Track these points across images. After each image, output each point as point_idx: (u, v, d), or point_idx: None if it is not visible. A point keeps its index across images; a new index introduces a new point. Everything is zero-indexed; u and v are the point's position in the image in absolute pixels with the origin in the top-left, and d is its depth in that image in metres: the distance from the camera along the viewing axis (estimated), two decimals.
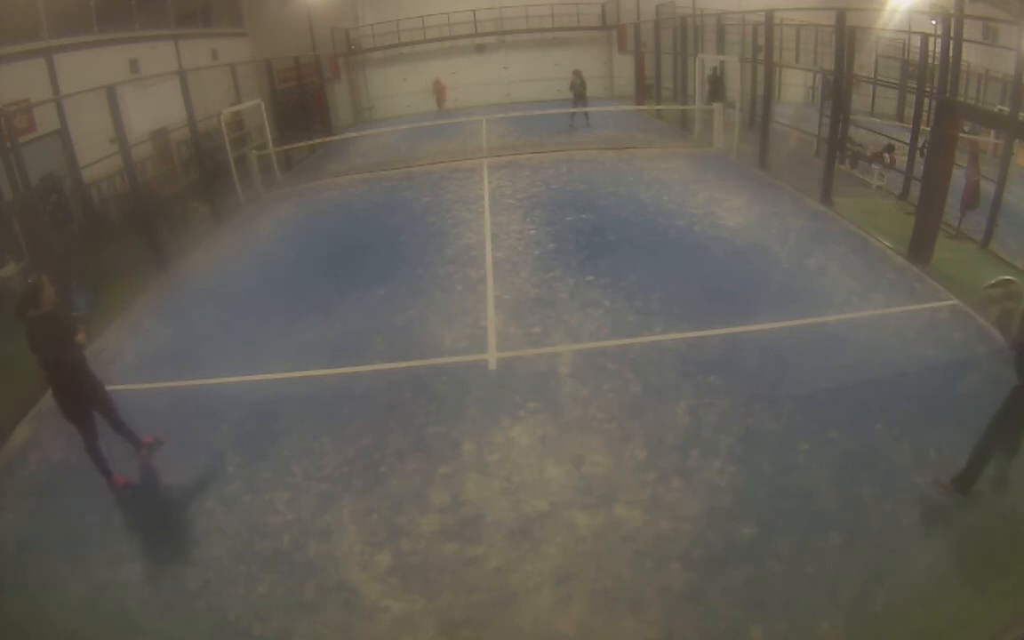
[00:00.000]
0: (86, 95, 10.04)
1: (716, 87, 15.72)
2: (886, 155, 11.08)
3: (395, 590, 3.76)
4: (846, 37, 10.16)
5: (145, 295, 8.70)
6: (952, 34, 7.48)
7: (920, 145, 9.76)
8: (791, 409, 4.99)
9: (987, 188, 8.17)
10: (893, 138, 11.32)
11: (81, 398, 4.67)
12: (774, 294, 6.93)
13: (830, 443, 4.60)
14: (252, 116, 15.46)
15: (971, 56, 12.29)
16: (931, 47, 10.22)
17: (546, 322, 6.71)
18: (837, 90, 10.65)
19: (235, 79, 15.51)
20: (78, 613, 3.83)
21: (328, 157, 17.33)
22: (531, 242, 9.00)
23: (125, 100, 10.03)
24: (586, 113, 17.75)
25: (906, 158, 10.30)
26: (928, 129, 8.62)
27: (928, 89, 10.27)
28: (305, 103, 19.03)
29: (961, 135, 8.39)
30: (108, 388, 4.99)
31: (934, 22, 11.92)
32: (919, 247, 7.51)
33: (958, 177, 8.13)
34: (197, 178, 12.79)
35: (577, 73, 17.81)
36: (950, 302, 6.53)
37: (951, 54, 7.46)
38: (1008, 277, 3.90)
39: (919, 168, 9.28)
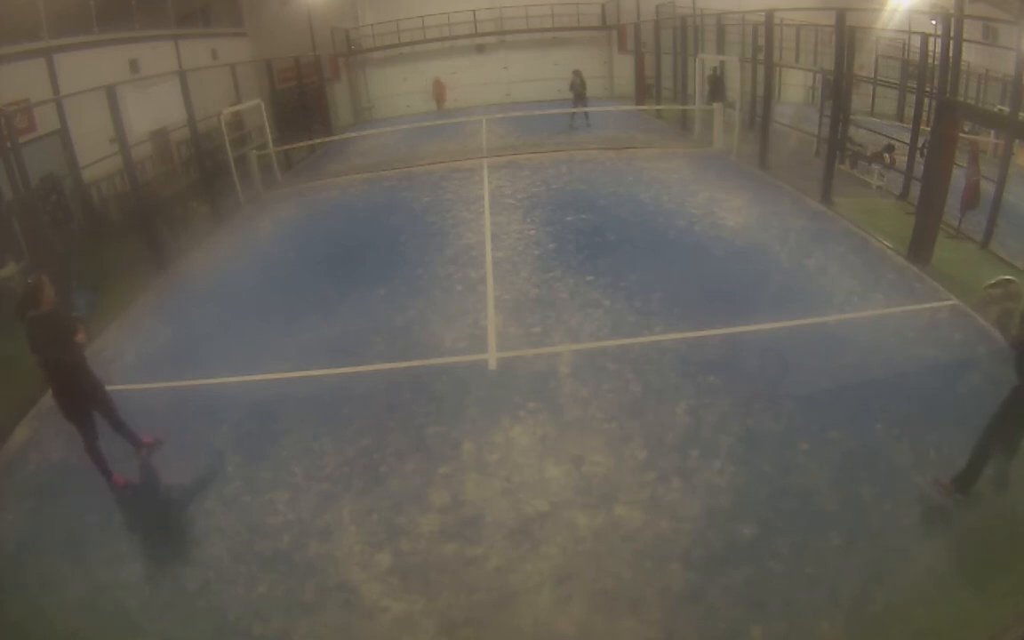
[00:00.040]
0: (86, 95, 10.04)
1: (716, 87, 15.72)
2: (886, 155, 11.08)
3: (395, 590, 3.76)
4: (846, 37, 10.16)
5: (145, 295, 8.70)
6: (952, 34, 7.48)
7: (920, 145, 9.76)
8: (791, 409, 4.99)
9: (987, 188, 8.17)
10: (893, 138, 11.32)
11: (81, 398, 4.67)
12: (774, 294, 6.93)
13: (830, 443, 4.60)
14: (252, 116, 15.46)
15: (971, 56, 12.29)
16: (931, 47, 10.22)
17: (546, 322, 6.72)
18: (837, 90, 10.65)
19: (235, 79, 15.51)
20: (78, 613, 3.83)
21: (328, 157, 17.33)
22: (531, 242, 9.01)
23: (125, 100, 10.03)
24: (586, 113, 17.75)
25: (906, 158, 10.30)
26: (928, 129, 8.62)
27: (928, 89, 10.27)
28: (305, 103, 19.03)
29: (961, 135, 8.39)
30: (108, 388, 4.99)
31: (934, 22, 11.92)
32: (919, 247, 7.51)
33: (958, 177, 8.13)
34: (197, 178, 12.79)
35: (577, 73, 17.81)
36: (950, 302, 6.53)
37: (951, 54, 7.46)
38: (1008, 277, 3.90)
39: (919, 168, 9.28)
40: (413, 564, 3.92)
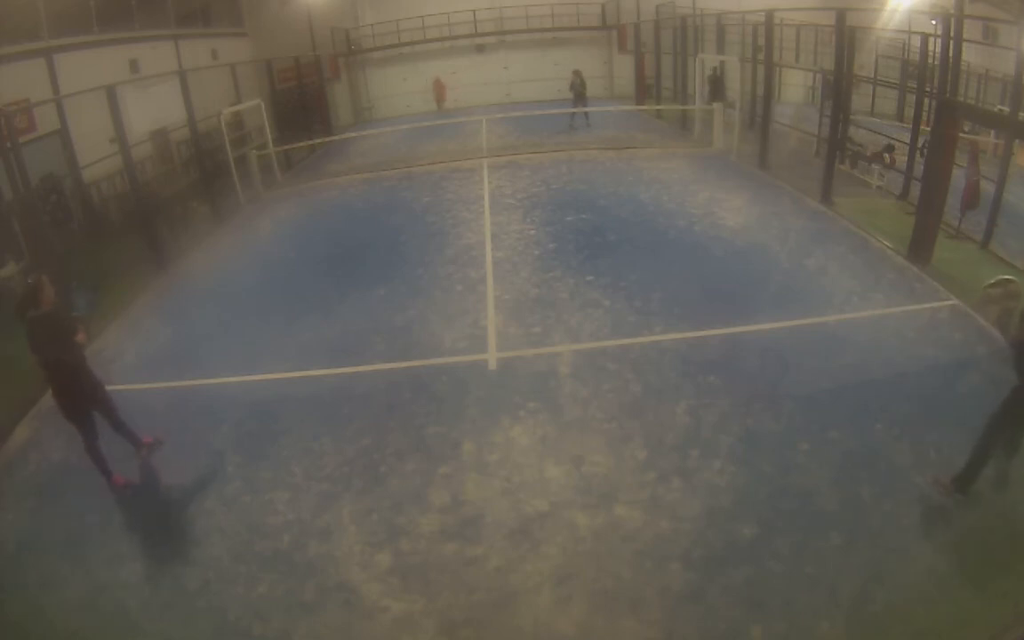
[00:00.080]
0: (86, 95, 10.04)
1: (716, 87, 15.72)
2: (886, 155, 11.08)
3: (395, 590, 3.76)
4: (846, 37, 10.16)
5: (145, 295, 8.70)
6: (952, 34, 7.48)
7: (920, 145, 9.76)
8: (791, 409, 4.99)
9: (987, 188, 8.17)
10: (893, 138, 11.32)
11: (81, 398, 4.67)
12: (774, 294, 6.93)
13: (830, 443, 4.60)
14: (252, 116, 15.46)
15: (971, 56, 12.29)
16: (931, 47, 10.22)
17: (546, 322, 6.71)
18: (837, 90, 10.65)
19: (235, 79, 15.51)
20: (78, 613, 3.83)
21: (328, 157, 17.33)
22: (531, 242, 9.01)
23: (125, 100, 10.03)
24: (586, 113, 17.75)
25: (906, 158, 10.30)
26: (928, 129, 8.62)
27: (928, 89, 10.27)
28: (305, 103, 19.03)
29: (961, 135, 8.39)
30: (108, 388, 4.99)
31: (934, 22, 11.92)
32: (919, 247, 7.51)
33: (958, 177, 8.13)
34: (197, 178, 12.79)
35: (577, 73, 17.81)
36: (950, 302, 6.53)
37: (951, 54, 7.46)
38: (1008, 277, 3.89)
39: (919, 168, 9.28)
40: (413, 564, 3.92)
